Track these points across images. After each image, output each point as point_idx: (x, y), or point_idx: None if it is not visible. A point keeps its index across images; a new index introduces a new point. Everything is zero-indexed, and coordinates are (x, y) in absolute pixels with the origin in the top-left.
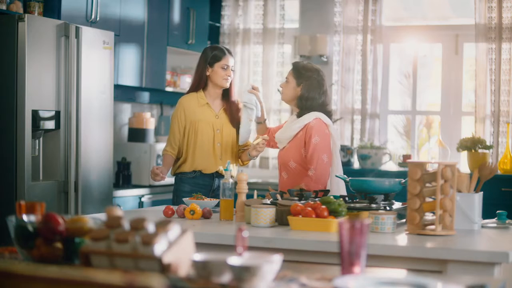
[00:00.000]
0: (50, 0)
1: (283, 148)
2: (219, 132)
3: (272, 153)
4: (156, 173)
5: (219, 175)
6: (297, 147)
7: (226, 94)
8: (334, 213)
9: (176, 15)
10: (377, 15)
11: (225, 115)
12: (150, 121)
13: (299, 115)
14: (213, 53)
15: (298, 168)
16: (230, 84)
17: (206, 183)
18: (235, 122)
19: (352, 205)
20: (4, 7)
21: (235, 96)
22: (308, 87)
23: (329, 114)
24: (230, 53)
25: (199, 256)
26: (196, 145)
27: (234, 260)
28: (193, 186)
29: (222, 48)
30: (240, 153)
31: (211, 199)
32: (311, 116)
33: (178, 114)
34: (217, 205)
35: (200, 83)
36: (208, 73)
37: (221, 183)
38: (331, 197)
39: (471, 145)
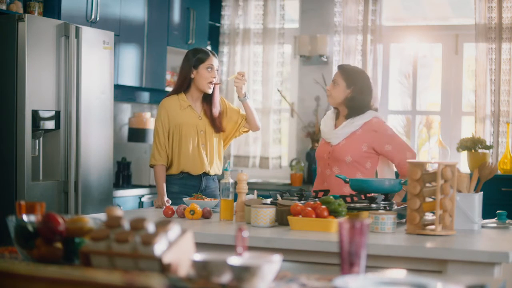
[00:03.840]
0: (50, 0)
1: (338, 144)
2: (203, 134)
3: (272, 153)
4: (160, 207)
5: (206, 175)
6: (356, 143)
7: (207, 96)
8: (334, 213)
9: (176, 15)
10: (377, 15)
11: (206, 117)
12: (150, 121)
13: (349, 116)
14: (197, 56)
15: (352, 163)
16: (213, 89)
17: (194, 184)
18: (216, 127)
19: (352, 205)
20: (4, 7)
21: (218, 102)
22: (359, 89)
23: (376, 111)
24: (214, 54)
25: (199, 256)
26: (182, 148)
27: (234, 260)
28: (181, 187)
29: (205, 49)
30: (244, 122)
31: (211, 199)
32: (370, 115)
33: (161, 117)
34: (217, 205)
35: (183, 86)
36: (192, 76)
37: (220, 183)
38: (331, 197)
39: (471, 145)
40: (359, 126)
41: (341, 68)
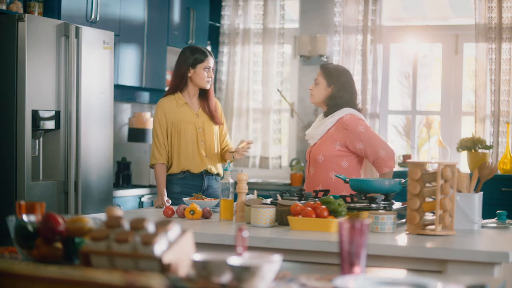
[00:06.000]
0: (50, 0)
1: (314, 144)
2: (201, 130)
3: (272, 153)
4: (160, 207)
5: (208, 173)
6: (328, 142)
7: (203, 92)
8: (334, 213)
9: (176, 15)
10: (377, 15)
11: (204, 113)
12: (150, 121)
13: (327, 114)
14: (195, 55)
15: (325, 162)
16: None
17: (196, 183)
18: (215, 120)
19: (352, 205)
20: (4, 7)
21: (213, 95)
22: (339, 87)
23: (359, 110)
24: (211, 54)
25: (199, 256)
26: (181, 145)
27: (234, 260)
28: (183, 187)
29: (203, 49)
30: (223, 153)
31: (211, 199)
32: (344, 112)
33: (158, 116)
34: (217, 205)
35: (179, 84)
36: (189, 75)
37: (220, 183)
38: (331, 197)
39: (471, 145)
40: (332, 124)
41: (323, 67)
